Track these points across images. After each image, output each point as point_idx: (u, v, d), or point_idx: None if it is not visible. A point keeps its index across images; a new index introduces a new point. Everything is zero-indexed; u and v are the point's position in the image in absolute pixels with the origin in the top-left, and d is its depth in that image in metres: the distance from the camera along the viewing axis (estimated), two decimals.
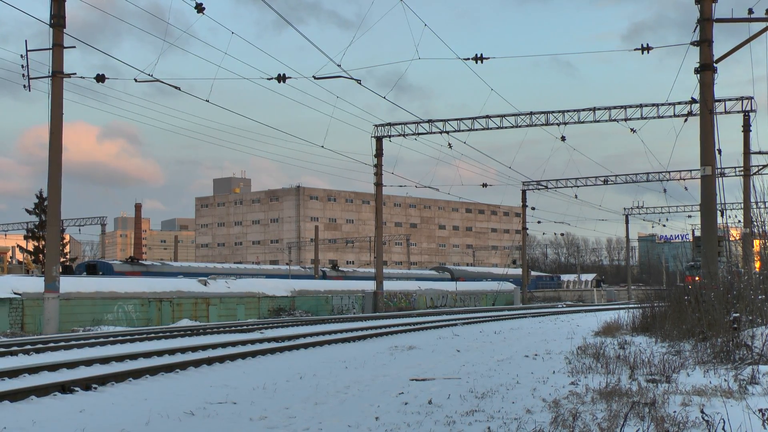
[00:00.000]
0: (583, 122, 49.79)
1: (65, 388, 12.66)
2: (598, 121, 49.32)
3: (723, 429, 7.40)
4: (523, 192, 75.66)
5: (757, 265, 23.57)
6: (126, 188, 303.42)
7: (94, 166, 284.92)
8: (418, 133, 52.56)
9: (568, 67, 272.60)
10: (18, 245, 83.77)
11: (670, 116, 47.48)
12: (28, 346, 22.07)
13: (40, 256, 67.95)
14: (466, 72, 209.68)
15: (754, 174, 49.77)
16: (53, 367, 15.74)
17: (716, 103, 30.07)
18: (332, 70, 51.88)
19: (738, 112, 47.26)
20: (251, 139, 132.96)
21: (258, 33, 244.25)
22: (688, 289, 21.76)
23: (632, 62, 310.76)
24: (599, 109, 49.16)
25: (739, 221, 45.77)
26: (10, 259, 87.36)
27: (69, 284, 36.29)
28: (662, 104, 47.38)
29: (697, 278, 79.12)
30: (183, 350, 20.05)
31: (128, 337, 25.57)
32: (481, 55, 34.81)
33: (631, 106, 48.44)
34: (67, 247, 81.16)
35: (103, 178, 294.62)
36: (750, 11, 26.48)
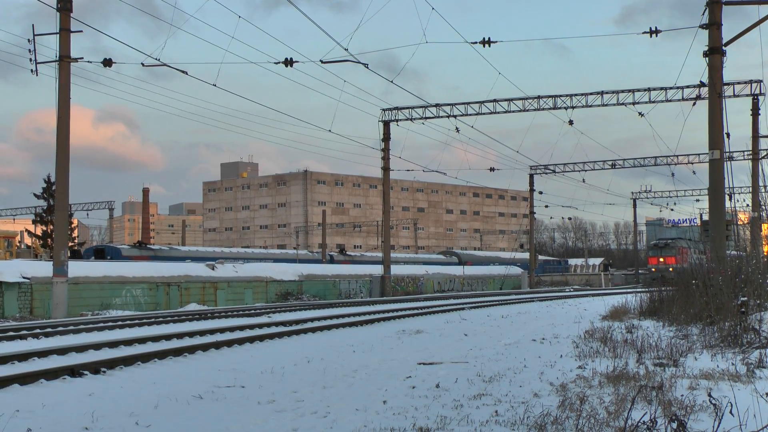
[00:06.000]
0: (590, 106, 49.67)
1: (74, 371, 12.72)
2: (606, 105, 49.17)
3: (730, 413, 7.40)
4: (531, 176, 75.47)
5: (766, 249, 23.52)
6: (126, 172, 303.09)
7: (92, 150, 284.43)
8: (426, 117, 52.49)
9: (562, 50, 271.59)
10: (26, 230, 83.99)
11: (678, 100, 47.30)
12: (37, 330, 22.19)
13: (49, 240, 68.13)
14: (465, 56, 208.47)
15: (763, 158, 49.63)
16: (62, 351, 15.81)
17: (725, 87, 29.90)
18: (338, 54, 51.67)
19: (747, 95, 47.06)
20: (256, 122, 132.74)
21: (248, 15, 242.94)
22: (696, 272, 21.70)
23: (629, 46, 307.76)
24: (607, 92, 49.00)
25: (748, 205, 45.67)
26: (18, 244, 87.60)
27: (77, 268, 36.41)
28: (670, 88, 47.20)
29: (661, 259, 77.94)
30: (191, 334, 20.11)
31: (136, 321, 25.67)
32: (489, 38, 34.64)
33: (638, 90, 48.28)
34: (75, 231, 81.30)
35: (103, 162, 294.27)
36: None
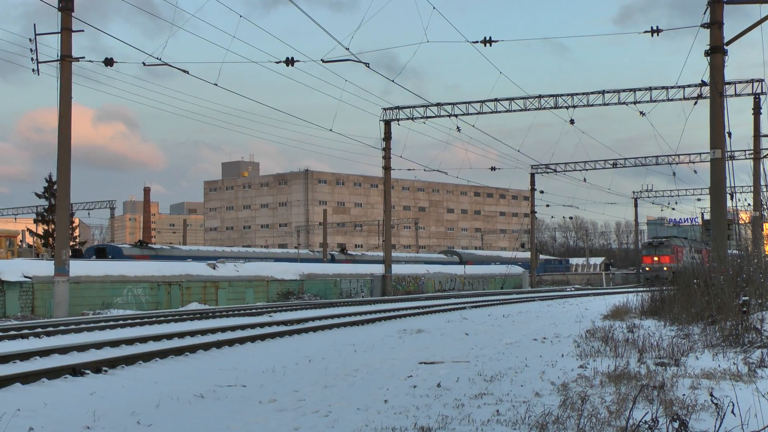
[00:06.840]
0: (591, 105, 49.68)
1: (76, 370, 12.72)
2: (607, 104, 49.18)
3: (732, 412, 7.39)
4: (532, 175, 75.46)
5: (767, 248, 23.52)
6: (127, 172, 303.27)
7: (93, 150, 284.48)
8: (427, 117, 52.49)
9: (563, 49, 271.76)
10: (28, 229, 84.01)
11: (680, 99, 47.32)
12: (39, 329, 22.20)
13: (50, 239, 68.16)
14: (465, 56, 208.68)
15: (765, 157, 49.57)
16: (64, 350, 15.81)
17: (726, 86, 29.88)
18: (339, 53, 51.69)
19: (748, 94, 47.06)
20: (257, 122, 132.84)
21: (247, 14, 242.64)
22: (697, 272, 21.71)
23: (629, 45, 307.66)
24: (608, 92, 48.99)
25: (749, 204, 45.66)
26: (20, 243, 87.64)
27: (79, 268, 36.43)
28: (672, 87, 47.21)
29: (656, 258, 76.62)
30: (192, 333, 20.12)
31: (138, 321, 25.68)
32: (489, 38, 34.62)
33: (640, 89, 48.27)
34: (77, 230, 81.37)
35: (103, 162, 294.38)
36: None
